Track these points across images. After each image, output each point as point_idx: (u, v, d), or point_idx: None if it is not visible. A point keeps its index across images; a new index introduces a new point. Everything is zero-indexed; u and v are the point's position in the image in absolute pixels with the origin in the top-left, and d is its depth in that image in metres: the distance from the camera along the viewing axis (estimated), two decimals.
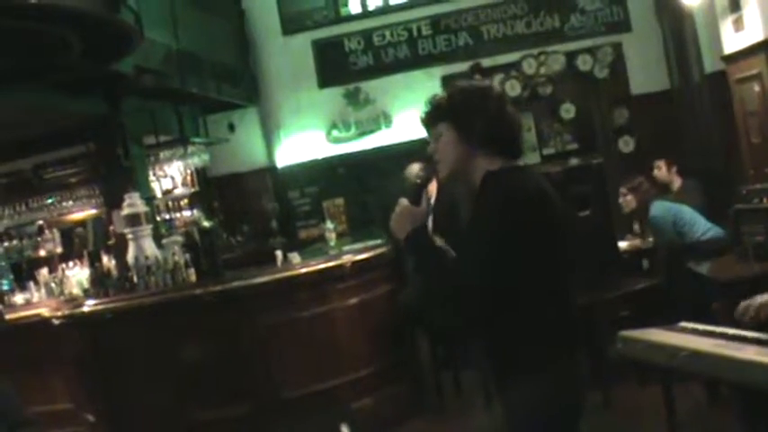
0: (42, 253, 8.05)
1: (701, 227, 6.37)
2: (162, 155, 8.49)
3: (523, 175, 2.59)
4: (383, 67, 9.93)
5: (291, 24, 10.05)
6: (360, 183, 9.89)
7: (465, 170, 2.65)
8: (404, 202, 2.65)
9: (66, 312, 5.84)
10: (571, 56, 9.57)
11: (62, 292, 6.87)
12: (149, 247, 6.26)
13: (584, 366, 2.66)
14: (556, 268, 2.56)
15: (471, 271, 2.44)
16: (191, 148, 8.57)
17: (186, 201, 8.95)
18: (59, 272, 7.18)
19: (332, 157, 9.99)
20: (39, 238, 8.14)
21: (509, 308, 2.48)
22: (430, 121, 2.70)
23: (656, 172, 7.83)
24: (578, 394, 2.62)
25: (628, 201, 6.81)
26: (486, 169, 2.60)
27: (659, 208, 6.55)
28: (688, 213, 6.52)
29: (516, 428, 2.59)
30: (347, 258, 5.92)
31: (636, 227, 7.21)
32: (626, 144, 9.54)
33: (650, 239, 6.90)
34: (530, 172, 2.66)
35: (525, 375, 2.53)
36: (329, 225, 8.11)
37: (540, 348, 2.52)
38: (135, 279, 5.96)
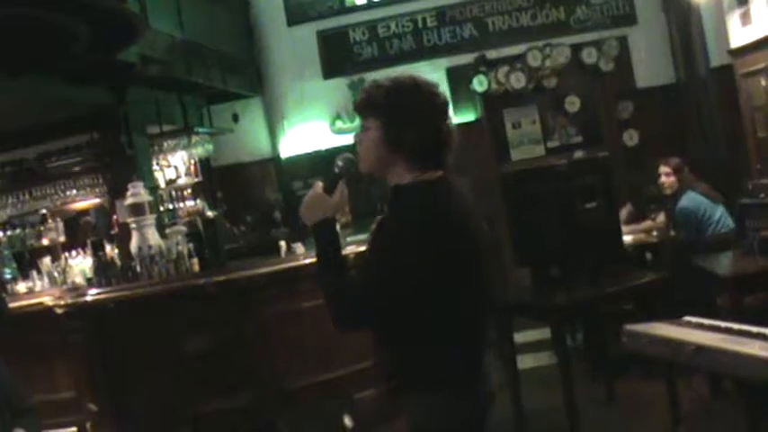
0: (45, 242, 8.04)
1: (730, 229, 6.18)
2: (166, 144, 8.48)
3: (433, 193, 2.41)
4: (388, 59, 9.89)
5: (296, 15, 10.02)
6: (363, 174, 9.85)
7: (383, 173, 2.51)
8: (319, 187, 2.53)
9: (69, 301, 5.83)
10: (576, 48, 9.53)
11: (65, 281, 6.86)
12: (153, 237, 6.26)
13: (487, 385, 2.50)
14: (458, 290, 2.39)
15: (362, 285, 2.38)
16: (195, 138, 8.55)
17: (190, 190, 8.95)
18: (62, 261, 7.17)
19: (336, 148, 9.96)
20: (42, 227, 8.13)
21: (405, 326, 2.38)
22: (361, 111, 2.53)
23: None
24: (479, 415, 2.47)
25: (671, 181, 6.53)
26: (397, 182, 2.46)
27: (692, 200, 6.33)
28: (719, 212, 6.30)
29: None
30: (351, 249, 5.88)
31: (659, 217, 6.98)
32: (630, 137, 9.52)
33: (655, 233, 6.86)
34: (442, 187, 2.44)
35: (421, 395, 2.40)
36: None
37: (434, 371, 2.39)
38: (138, 268, 5.95)
